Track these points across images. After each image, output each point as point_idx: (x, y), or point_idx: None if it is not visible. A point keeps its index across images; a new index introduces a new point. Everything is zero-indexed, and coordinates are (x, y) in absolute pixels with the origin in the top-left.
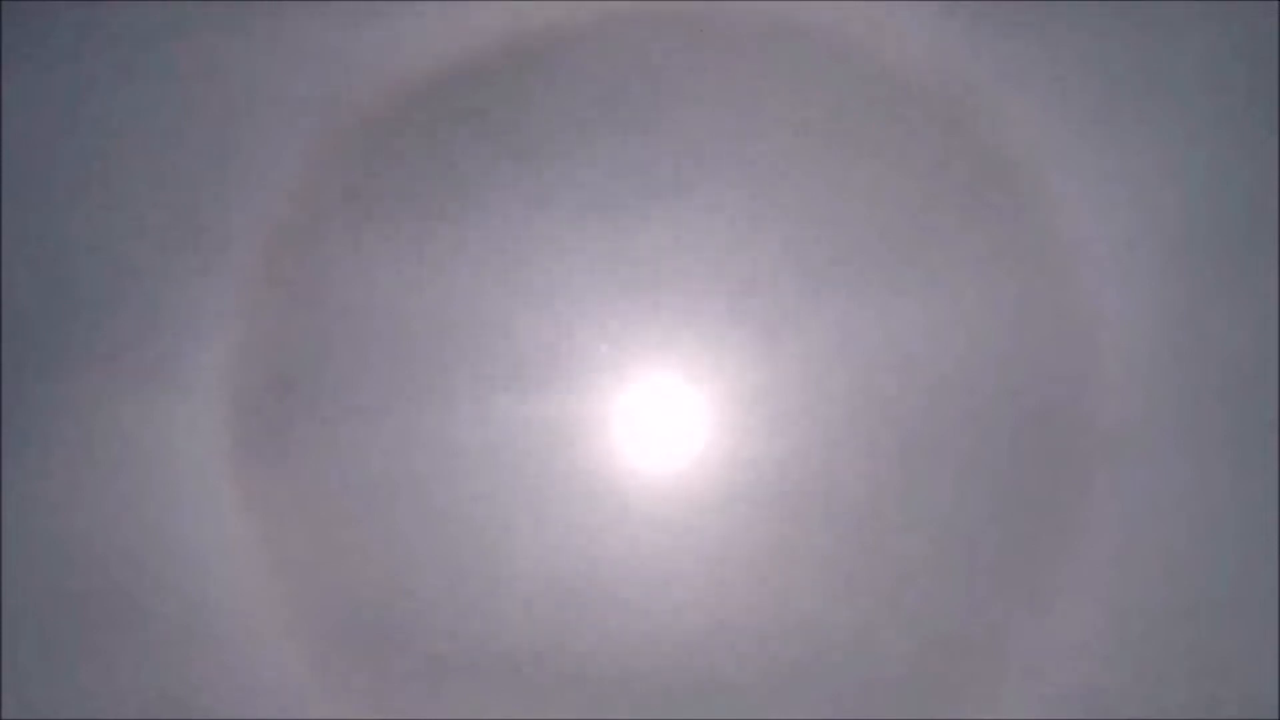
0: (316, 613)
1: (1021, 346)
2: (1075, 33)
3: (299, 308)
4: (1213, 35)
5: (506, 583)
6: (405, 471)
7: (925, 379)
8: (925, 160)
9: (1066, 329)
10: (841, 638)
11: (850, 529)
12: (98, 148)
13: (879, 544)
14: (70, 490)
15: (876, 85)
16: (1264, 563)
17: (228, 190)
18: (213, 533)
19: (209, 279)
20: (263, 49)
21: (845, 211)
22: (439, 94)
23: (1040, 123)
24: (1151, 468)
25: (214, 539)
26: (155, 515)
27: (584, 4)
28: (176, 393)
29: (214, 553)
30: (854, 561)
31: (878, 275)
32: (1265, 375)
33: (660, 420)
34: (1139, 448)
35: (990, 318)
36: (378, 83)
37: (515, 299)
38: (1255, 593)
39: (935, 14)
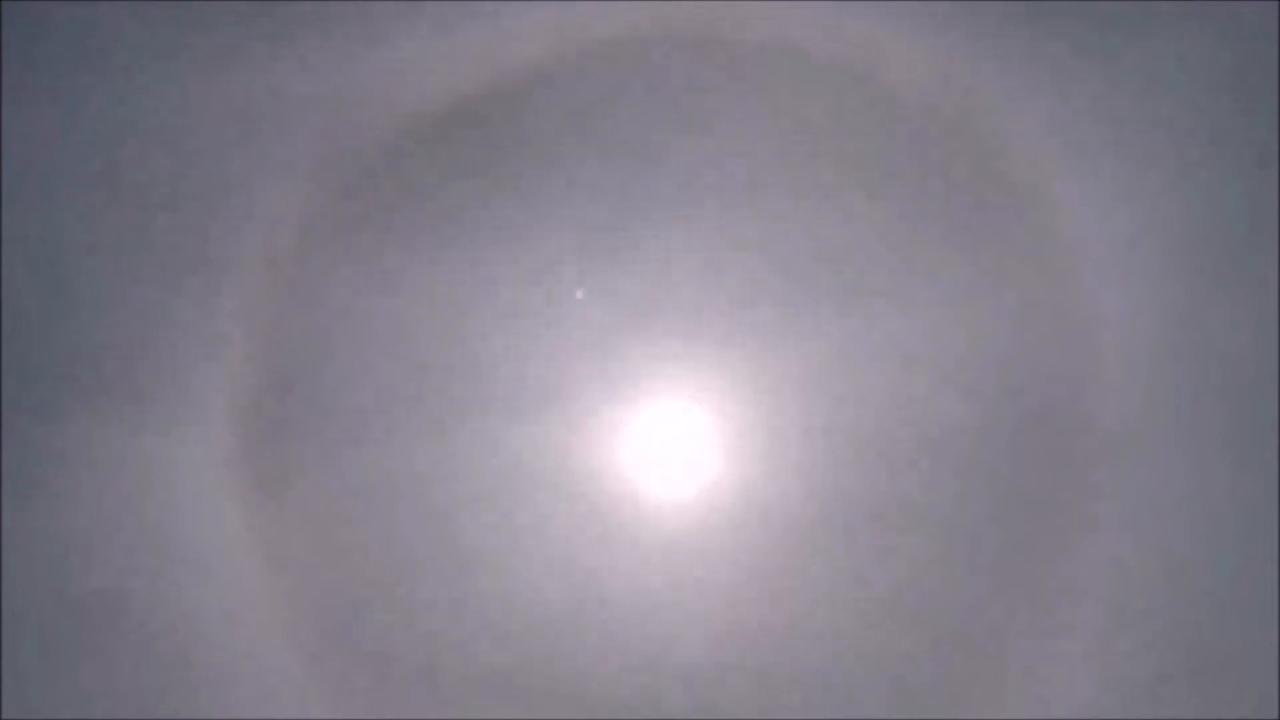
0: (320, 636)
1: (1026, 352)
2: (1074, 37)
3: (302, 335)
4: (1212, 38)
5: (509, 604)
6: (408, 497)
7: (928, 394)
8: (924, 167)
9: (1067, 335)
10: (842, 651)
11: (854, 543)
12: (98, 170)
13: (885, 558)
14: (72, 506)
15: (871, 93)
16: (1264, 563)
17: (227, 218)
18: (216, 561)
19: (209, 304)
20: (261, 77)
21: (843, 215)
22: (440, 120)
23: (1039, 127)
24: (1151, 468)
25: (218, 568)
26: (156, 530)
27: (580, 29)
28: (178, 415)
29: (217, 581)
30: (859, 575)
31: (879, 284)
32: (1265, 375)
33: (662, 440)
34: (1139, 448)
35: (993, 326)
36: (378, 109)
37: (516, 323)
38: (1255, 593)
39: (932, 22)
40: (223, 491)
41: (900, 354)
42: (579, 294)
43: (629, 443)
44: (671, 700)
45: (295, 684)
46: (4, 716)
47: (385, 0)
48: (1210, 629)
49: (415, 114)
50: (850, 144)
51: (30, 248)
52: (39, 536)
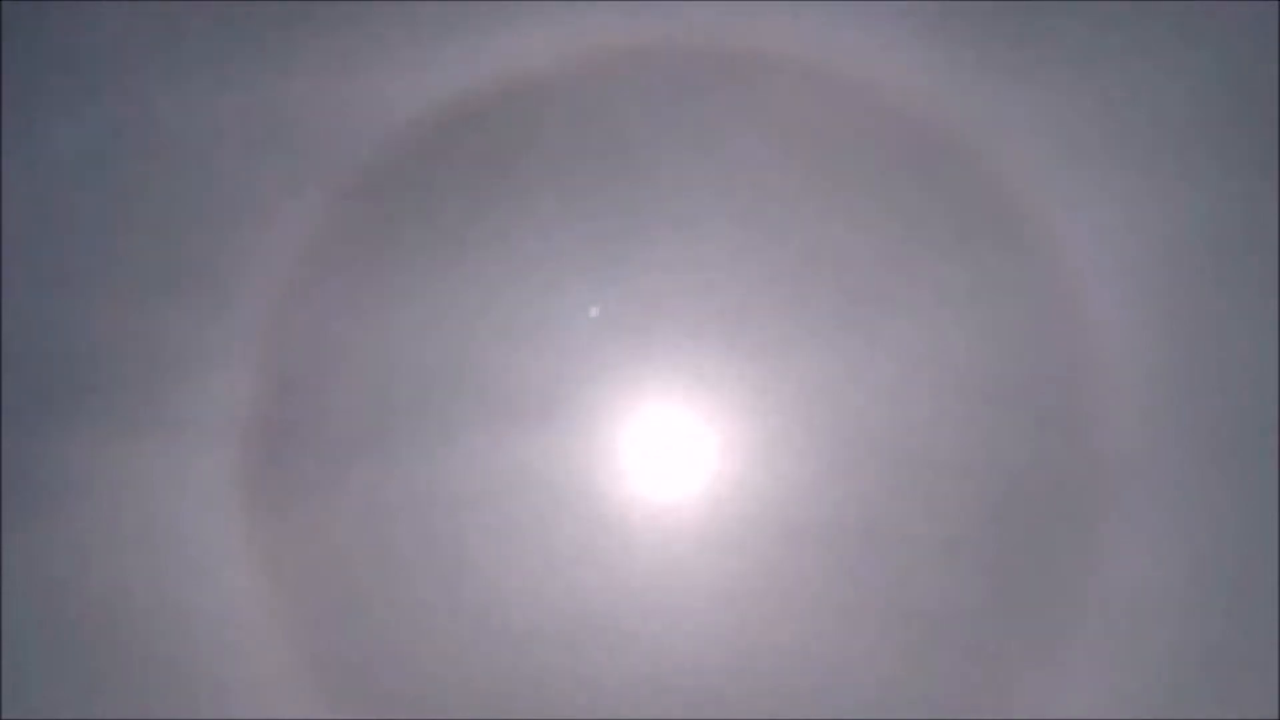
0: (323, 641)
1: (1027, 360)
2: (1073, 47)
3: (305, 353)
4: (1209, 45)
5: (509, 608)
6: (411, 503)
7: (928, 402)
8: (925, 177)
9: (1067, 344)
10: (842, 655)
11: (854, 549)
12: (106, 184)
13: (884, 564)
14: (77, 515)
15: (873, 103)
16: (1264, 565)
17: (230, 231)
18: (221, 569)
19: (213, 316)
20: (269, 92)
21: (846, 226)
22: (444, 133)
23: (1039, 137)
24: (1154, 472)
25: (222, 575)
26: (161, 538)
27: (576, 51)
28: (183, 426)
29: (222, 588)
30: (858, 581)
31: (880, 293)
32: (1266, 380)
33: (663, 449)
34: (1142, 454)
35: (994, 334)
36: (383, 123)
37: (520, 333)
38: (1257, 594)
39: (933, 33)
40: (228, 500)
41: (901, 363)
42: (593, 311)
43: (630, 451)
44: (671, 704)
45: (297, 688)
46: (4, 717)
47: (389, 13)
48: (1210, 630)
49: (420, 127)
50: (851, 155)
51: (36, 259)
52: (44, 544)
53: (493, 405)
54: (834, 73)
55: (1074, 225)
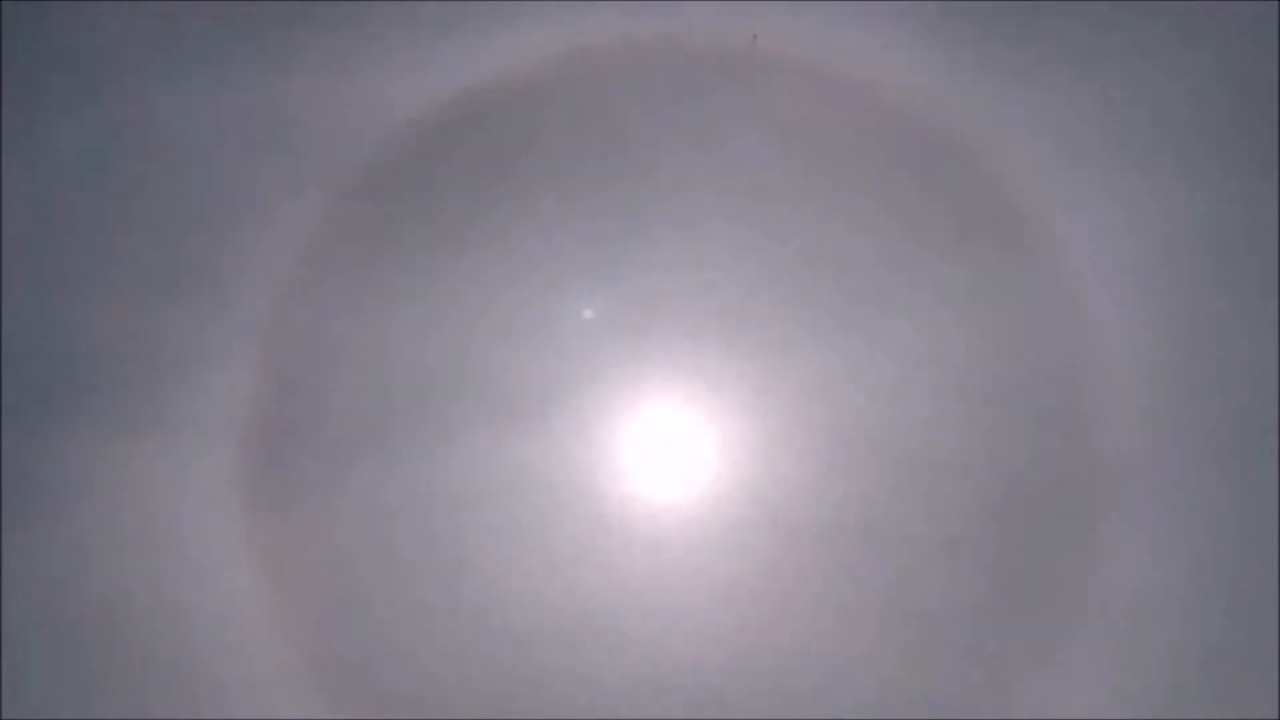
0: (324, 641)
1: (1027, 360)
2: (1072, 47)
3: (305, 353)
4: (1208, 45)
5: (509, 607)
6: (411, 503)
7: (928, 402)
8: (925, 178)
9: (1067, 344)
10: (841, 655)
11: (853, 549)
12: (106, 185)
13: (884, 564)
14: (78, 516)
15: (872, 114)
16: (1264, 566)
17: (230, 231)
18: (223, 569)
19: (214, 327)
20: (269, 93)
21: (845, 226)
22: (443, 133)
23: (1039, 138)
24: (1154, 472)
25: (224, 576)
26: (161, 539)
27: (576, 51)
28: (181, 437)
29: (223, 588)
30: (856, 580)
31: (880, 293)
32: (1265, 382)
33: (663, 449)
34: (1142, 454)
35: (994, 334)
36: (382, 123)
37: (520, 333)
38: (1257, 596)
39: (933, 33)
40: (228, 500)
41: (901, 363)
42: (587, 313)
43: (630, 451)
44: (671, 704)
45: (297, 688)
46: (4, 717)
47: (389, 13)
48: (1210, 630)
49: (420, 127)
50: (851, 155)
51: (36, 259)
52: (44, 544)
53: (493, 405)
54: (834, 73)
55: (1074, 225)
